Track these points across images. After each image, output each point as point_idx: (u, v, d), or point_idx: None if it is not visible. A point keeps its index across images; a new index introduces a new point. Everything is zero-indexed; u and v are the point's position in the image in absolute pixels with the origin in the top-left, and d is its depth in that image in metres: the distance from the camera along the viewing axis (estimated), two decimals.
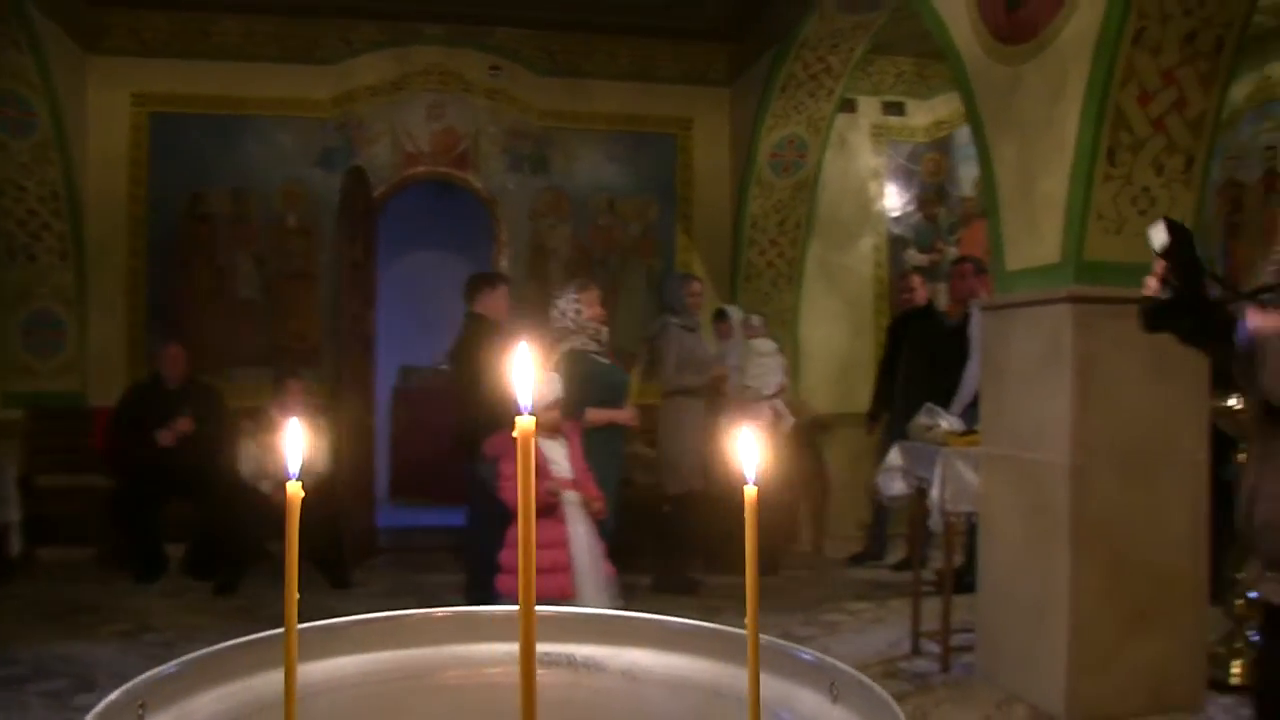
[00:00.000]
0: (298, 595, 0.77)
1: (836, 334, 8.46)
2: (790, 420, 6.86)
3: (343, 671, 1.41)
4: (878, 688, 1.23)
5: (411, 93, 7.93)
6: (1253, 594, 4.46)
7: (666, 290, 6.52)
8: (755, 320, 7.08)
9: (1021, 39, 4.23)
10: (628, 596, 4.81)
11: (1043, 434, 4.09)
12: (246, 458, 6.37)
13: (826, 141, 7.84)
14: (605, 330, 5.09)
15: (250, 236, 7.78)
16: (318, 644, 1.39)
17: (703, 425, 6.23)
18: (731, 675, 1.45)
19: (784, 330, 7.89)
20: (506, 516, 4.41)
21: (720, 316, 7.14)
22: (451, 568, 6.85)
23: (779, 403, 6.81)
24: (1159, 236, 1.71)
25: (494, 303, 5.58)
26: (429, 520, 8.67)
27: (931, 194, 8.61)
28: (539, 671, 1.66)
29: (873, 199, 8.57)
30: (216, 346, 7.62)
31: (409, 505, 9.18)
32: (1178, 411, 4.06)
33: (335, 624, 1.40)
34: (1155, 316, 1.69)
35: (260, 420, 6.39)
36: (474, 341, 5.32)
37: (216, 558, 6.37)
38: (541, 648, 1.54)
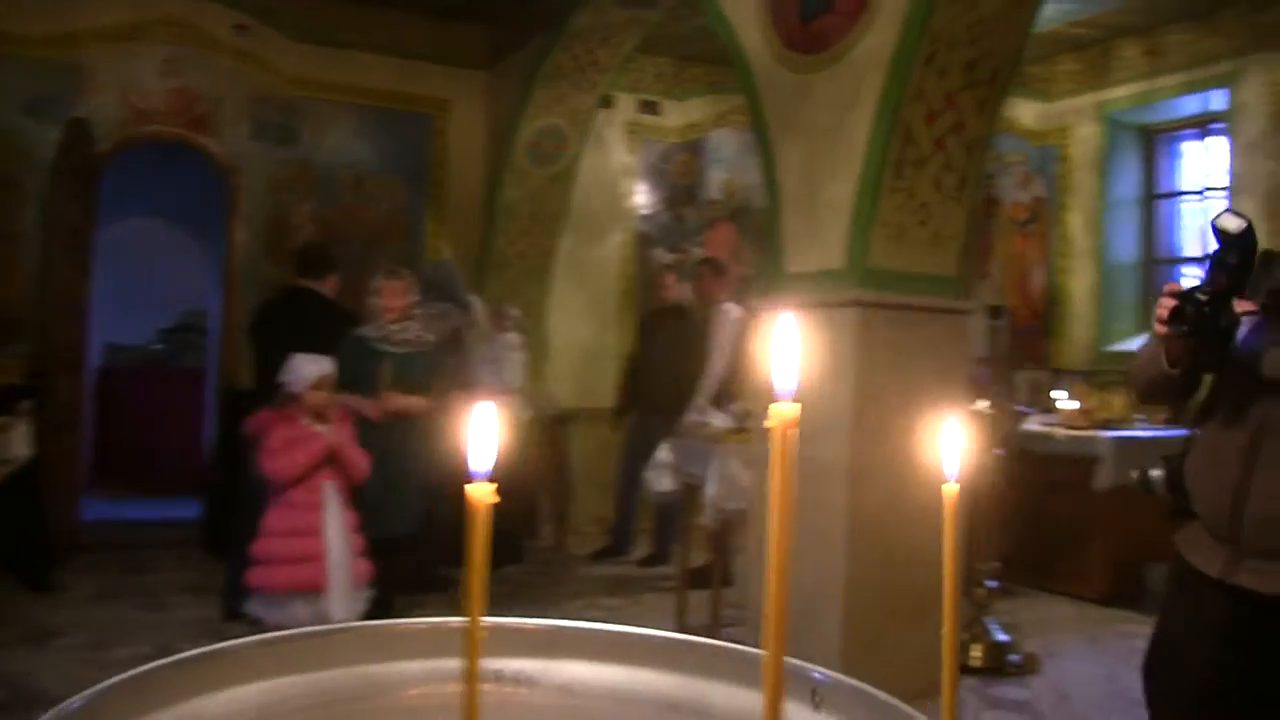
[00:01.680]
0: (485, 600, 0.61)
1: (582, 328, 8.46)
2: (529, 413, 6.84)
3: (241, 704, 1.20)
4: (880, 693, 1.16)
5: (146, 44, 7.12)
6: (992, 583, 4.88)
7: (442, 278, 6.22)
8: (513, 312, 6.96)
9: (814, 49, 4.35)
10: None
11: (821, 434, 4.21)
12: None
13: (586, 135, 7.81)
14: (398, 322, 4.89)
15: None
16: (208, 671, 1.18)
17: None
18: (688, 686, 1.35)
19: (533, 322, 7.79)
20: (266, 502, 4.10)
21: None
22: (166, 565, 6.39)
23: (518, 395, 6.77)
24: (1233, 221, 1.64)
25: (331, 284, 5.36)
26: (135, 514, 8.06)
27: (681, 195, 8.78)
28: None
29: (624, 195, 8.63)
30: None
31: (113, 498, 8.42)
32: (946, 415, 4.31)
33: (226, 648, 1.19)
34: (1202, 328, 1.65)
35: None
36: (304, 315, 5.07)
37: None
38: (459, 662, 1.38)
